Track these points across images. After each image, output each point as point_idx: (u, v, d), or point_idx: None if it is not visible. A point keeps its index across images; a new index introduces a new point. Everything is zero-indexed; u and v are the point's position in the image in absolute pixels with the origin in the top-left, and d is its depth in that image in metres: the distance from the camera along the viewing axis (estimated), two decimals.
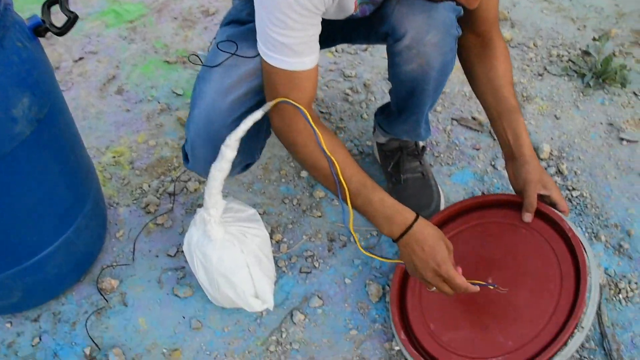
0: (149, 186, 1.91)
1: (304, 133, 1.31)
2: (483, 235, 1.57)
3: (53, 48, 2.35)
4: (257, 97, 1.38)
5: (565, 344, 1.22)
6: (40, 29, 1.32)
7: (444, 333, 1.45)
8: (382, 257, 1.64)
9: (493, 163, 1.94)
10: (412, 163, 1.80)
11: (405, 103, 1.55)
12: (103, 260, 1.74)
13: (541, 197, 1.47)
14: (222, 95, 1.36)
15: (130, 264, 1.73)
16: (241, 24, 1.48)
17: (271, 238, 1.77)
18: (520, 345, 1.31)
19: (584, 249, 1.39)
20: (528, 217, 1.48)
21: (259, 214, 1.79)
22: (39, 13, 1.34)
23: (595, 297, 1.29)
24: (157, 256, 1.75)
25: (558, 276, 1.37)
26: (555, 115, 2.09)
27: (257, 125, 1.35)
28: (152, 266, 1.73)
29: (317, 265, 1.72)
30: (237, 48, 1.37)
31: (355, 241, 1.47)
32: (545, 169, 1.92)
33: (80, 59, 2.33)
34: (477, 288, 1.32)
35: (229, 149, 1.34)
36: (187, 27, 2.47)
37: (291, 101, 1.28)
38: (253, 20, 1.26)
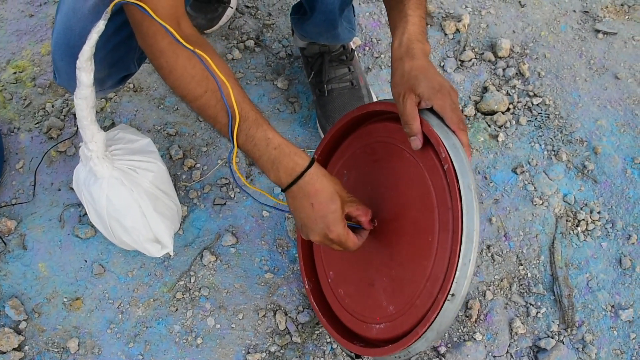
0: (53, 106, 1.69)
1: (168, 54, 1.03)
2: (370, 161, 1.25)
3: None
4: None
5: (435, 318, 0.98)
6: None
7: (339, 284, 1.26)
8: (275, 207, 1.30)
9: (442, 64, 1.67)
10: (338, 70, 1.54)
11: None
12: (2, 197, 1.56)
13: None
14: None
15: (30, 201, 1.56)
16: None
17: (183, 164, 1.57)
18: (398, 314, 1.09)
19: (459, 189, 0.99)
20: (414, 141, 1.06)
21: (171, 134, 1.60)
22: None
23: (473, 257, 0.97)
24: (59, 189, 1.57)
25: (435, 227, 1.03)
26: (520, 2, 1.76)
27: (126, 31, 1.12)
28: (53, 201, 1.56)
29: (232, 196, 1.53)
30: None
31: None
32: (504, 69, 1.65)
33: None
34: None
35: (83, 72, 1.12)
36: None
37: (139, 3, 0.98)
38: None
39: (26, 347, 1.39)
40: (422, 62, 1.06)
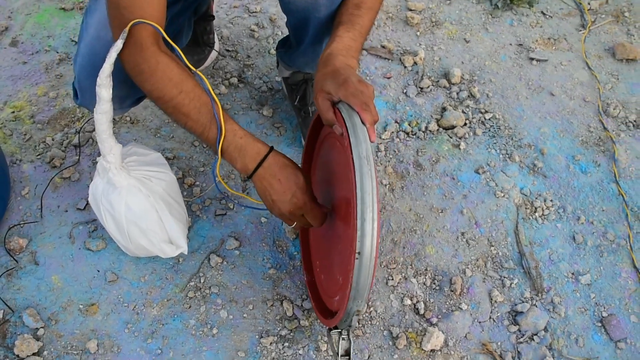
0: (53, 140, 1.82)
1: (151, 61, 1.20)
2: (324, 159, 1.42)
3: None
4: None
5: (352, 277, 1.09)
6: None
7: (322, 271, 1.42)
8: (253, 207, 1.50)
9: (405, 91, 1.93)
10: None
11: (301, 33, 1.49)
12: (10, 221, 1.66)
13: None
14: (107, 26, 1.28)
15: (38, 221, 1.66)
16: None
17: (183, 182, 1.72)
18: (343, 283, 1.22)
19: (353, 158, 1.10)
20: (336, 129, 1.18)
21: (169, 158, 1.75)
22: None
23: (370, 217, 1.07)
24: (67, 211, 1.68)
25: (352, 197, 1.13)
26: (465, 39, 2.08)
27: None
28: (61, 222, 1.66)
29: (232, 207, 1.69)
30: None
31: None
32: (457, 93, 1.92)
33: None
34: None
35: (103, 89, 1.26)
36: None
37: (148, 21, 1.17)
38: None
39: (45, 352, 1.46)
40: (332, 67, 1.18)
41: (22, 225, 1.65)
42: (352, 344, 1.25)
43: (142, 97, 1.51)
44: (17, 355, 1.43)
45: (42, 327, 1.48)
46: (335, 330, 1.25)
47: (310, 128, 1.41)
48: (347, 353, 1.25)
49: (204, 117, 1.19)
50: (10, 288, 1.55)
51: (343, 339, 1.24)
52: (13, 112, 1.88)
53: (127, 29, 1.19)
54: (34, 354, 1.45)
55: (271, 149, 1.22)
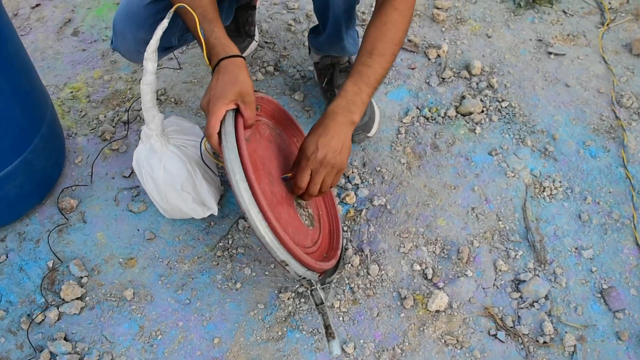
0: (105, 117, 2.02)
1: None
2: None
3: None
4: None
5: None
6: None
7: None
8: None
9: (427, 80, 2.06)
10: (345, 78, 1.91)
11: (324, 17, 1.67)
12: (63, 184, 1.85)
13: None
14: None
15: (88, 185, 1.85)
16: None
17: (219, 157, 1.88)
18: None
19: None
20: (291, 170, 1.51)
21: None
22: None
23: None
24: (113, 178, 1.87)
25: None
26: (487, 35, 2.20)
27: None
28: (108, 187, 1.85)
29: None
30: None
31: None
32: (477, 83, 2.04)
33: (37, 5, 2.42)
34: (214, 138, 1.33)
35: (150, 62, 1.44)
36: None
37: (187, 6, 1.34)
38: None
39: (87, 298, 1.63)
40: (319, 122, 1.43)
41: (73, 188, 1.84)
42: (321, 294, 1.42)
43: (168, 48, 1.69)
44: (63, 299, 1.61)
45: (85, 276, 1.66)
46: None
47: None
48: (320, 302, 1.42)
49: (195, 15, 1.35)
50: (60, 242, 1.73)
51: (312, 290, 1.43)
52: (71, 92, 2.10)
53: (171, 11, 1.37)
54: (77, 298, 1.62)
55: (236, 57, 1.35)
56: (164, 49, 1.68)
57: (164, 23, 1.40)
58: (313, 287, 1.41)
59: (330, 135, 1.39)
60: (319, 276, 1.44)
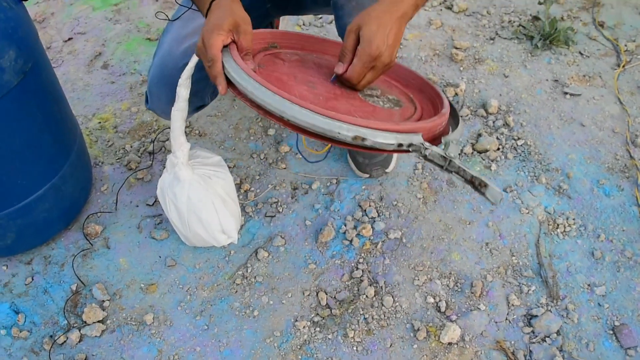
0: (131, 147, 2.09)
1: None
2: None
3: (45, 30, 2.55)
4: None
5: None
6: None
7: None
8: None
9: None
10: None
11: None
12: (89, 210, 1.92)
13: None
14: (178, 43, 1.54)
15: (113, 212, 1.91)
16: None
17: (240, 188, 1.94)
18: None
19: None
20: (339, 67, 1.34)
21: (230, 167, 1.97)
22: None
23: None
24: (137, 206, 1.93)
25: None
26: (504, 74, 2.26)
27: (203, 71, 1.49)
28: (132, 214, 1.91)
29: (280, 210, 1.89)
30: (192, 3, 1.55)
31: None
32: (493, 122, 2.08)
33: (70, 39, 2.52)
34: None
35: (183, 88, 1.51)
36: (168, 8, 2.67)
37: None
38: None
39: (108, 321, 1.68)
40: (368, 14, 1.27)
41: (99, 214, 1.91)
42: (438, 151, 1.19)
43: (200, 106, 1.76)
44: (85, 322, 1.66)
45: (107, 300, 1.71)
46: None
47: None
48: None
49: None
50: (84, 266, 1.79)
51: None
52: (100, 122, 2.18)
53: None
54: (98, 321, 1.66)
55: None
56: (196, 107, 1.75)
57: (195, 59, 1.46)
58: (424, 148, 1.17)
59: (386, 27, 1.26)
60: (432, 139, 1.26)
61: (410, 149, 1.18)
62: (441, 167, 1.17)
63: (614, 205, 1.86)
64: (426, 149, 1.17)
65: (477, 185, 1.13)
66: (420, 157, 1.24)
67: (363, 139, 1.13)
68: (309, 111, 1.13)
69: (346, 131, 1.12)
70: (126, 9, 2.67)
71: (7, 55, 1.43)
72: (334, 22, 2.50)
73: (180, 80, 1.48)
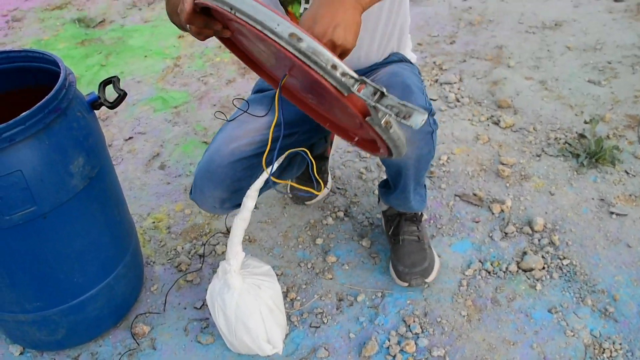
0: (182, 248, 2.16)
1: None
2: None
3: (107, 128, 2.69)
4: (254, 147, 1.66)
5: None
6: (96, 103, 1.65)
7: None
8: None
9: (491, 235, 2.14)
10: (409, 227, 2.01)
11: (395, 181, 1.81)
12: (138, 310, 1.97)
13: None
14: (227, 142, 1.65)
15: (161, 313, 1.96)
16: (262, 92, 1.82)
17: (286, 296, 1.98)
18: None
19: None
20: None
21: (277, 274, 2.02)
22: (97, 91, 1.66)
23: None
24: (185, 308, 1.98)
25: None
26: (550, 192, 2.28)
27: (249, 171, 1.64)
28: (180, 317, 1.95)
29: (325, 321, 1.91)
30: (248, 107, 1.67)
31: None
32: (539, 240, 2.10)
33: (130, 138, 2.66)
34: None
35: (250, 199, 1.58)
36: (225, 112, 2.80)
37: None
38: (272, 89, 1.53)
39: None
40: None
41: (147, 315, 1.95)
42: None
43: (238, 204, 1.77)
44: None
45: None
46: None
47: None
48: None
49: None
50: None
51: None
52: (154, 222, 2.26)
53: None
54: None
55: None
56: (237, 204, 1.79)
57: (264, 174, 1.54)
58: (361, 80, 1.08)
59: (333, 10, 1.21)
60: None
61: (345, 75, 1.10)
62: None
63: None
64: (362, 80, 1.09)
65: (403, 117, 1.06)
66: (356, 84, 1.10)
67: (299, 39, 1.09)
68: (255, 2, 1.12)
69: (285, 27, 1.10)
70: (185, 112, 2.82)
71: (76, 161, 1.53)
72: None
73: (248, 191, 1.56)
